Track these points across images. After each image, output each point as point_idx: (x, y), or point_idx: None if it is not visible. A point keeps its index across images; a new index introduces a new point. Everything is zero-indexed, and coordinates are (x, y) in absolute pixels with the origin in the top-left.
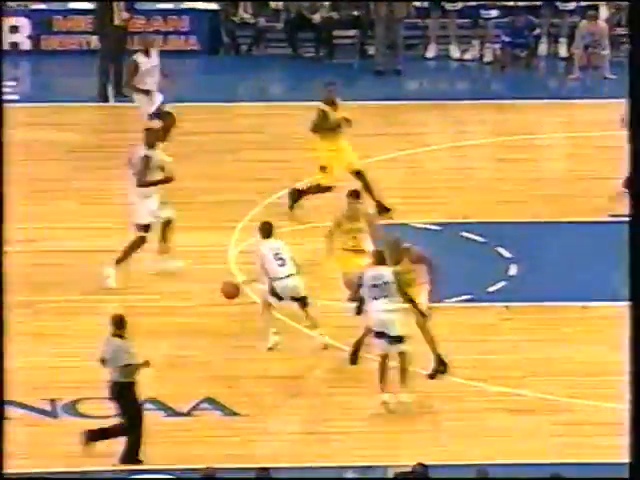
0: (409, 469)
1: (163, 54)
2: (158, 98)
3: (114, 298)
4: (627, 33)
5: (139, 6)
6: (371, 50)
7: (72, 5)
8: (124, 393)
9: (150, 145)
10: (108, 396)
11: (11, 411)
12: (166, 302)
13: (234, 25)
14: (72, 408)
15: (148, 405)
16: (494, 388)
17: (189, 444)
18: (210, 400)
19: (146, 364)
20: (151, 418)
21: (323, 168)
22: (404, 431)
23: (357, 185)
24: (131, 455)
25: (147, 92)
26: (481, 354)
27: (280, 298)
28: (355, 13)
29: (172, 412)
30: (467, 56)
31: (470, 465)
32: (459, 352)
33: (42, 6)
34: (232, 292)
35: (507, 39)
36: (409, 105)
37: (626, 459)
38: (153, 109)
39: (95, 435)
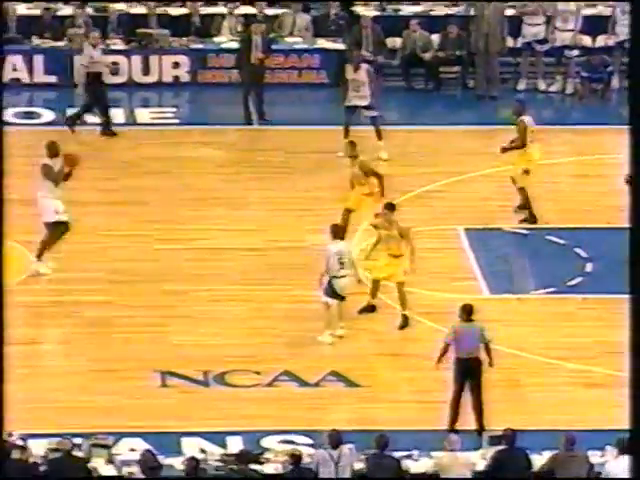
0: (500, 433)
1: (298, 86)
2: None
3: (254, 288)
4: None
5: (279, 46)
6: (471, 83)
7: (224, 45)
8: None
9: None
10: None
11: (170, 380)
12: (297, 291)
13: None
14: (221, 379)
15: (283, 377)
16: (572, 365)
17: (317, 410)
18: (335, 373)
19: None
20: (286, 388)
21: (527, 172)
22: (495, 401)
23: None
24: None
25: None
26: (561, 337)
27: (336, 296)
28: (458, 53)
29: (303, 383)
30: (552, 89)
31: (551, 430)
32: (543, 335)
33: (200, 46)
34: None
35: (586, 75)
36: (503, 129)
37: None
38: None
39: None
